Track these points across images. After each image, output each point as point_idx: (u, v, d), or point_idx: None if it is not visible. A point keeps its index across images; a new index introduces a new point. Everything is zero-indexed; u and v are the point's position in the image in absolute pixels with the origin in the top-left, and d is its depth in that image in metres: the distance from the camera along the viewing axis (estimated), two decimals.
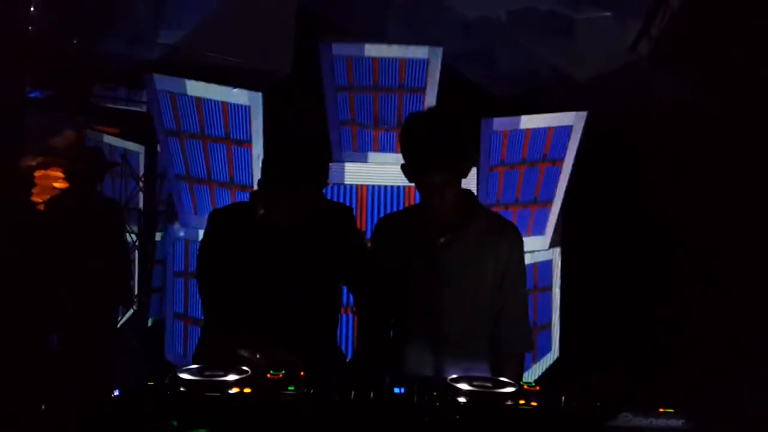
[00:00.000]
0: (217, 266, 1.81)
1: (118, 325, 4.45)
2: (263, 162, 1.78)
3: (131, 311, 4.89)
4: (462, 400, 1.57)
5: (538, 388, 1.65)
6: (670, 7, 3.94)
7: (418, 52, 4.10)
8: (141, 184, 5.19)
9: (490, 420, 1.55)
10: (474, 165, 2.15)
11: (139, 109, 4.84)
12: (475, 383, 1.65)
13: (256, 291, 1.77)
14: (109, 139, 5.16)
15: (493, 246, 1.99)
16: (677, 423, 1.37)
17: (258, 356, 1.69)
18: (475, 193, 3.32)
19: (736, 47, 3.50)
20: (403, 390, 1.62)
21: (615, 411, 1.49)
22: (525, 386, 1.65)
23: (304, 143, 1.77)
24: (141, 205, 5.28)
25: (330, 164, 1.88)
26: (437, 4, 4.49)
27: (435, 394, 1.60)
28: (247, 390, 1.56)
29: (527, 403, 1.57)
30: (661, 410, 1.50)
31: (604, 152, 4.26)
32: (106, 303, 3.86)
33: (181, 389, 1.55)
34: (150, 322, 4.76)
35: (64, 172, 3.93)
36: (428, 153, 1.82)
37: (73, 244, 3.52)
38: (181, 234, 3.97)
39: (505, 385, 1.65)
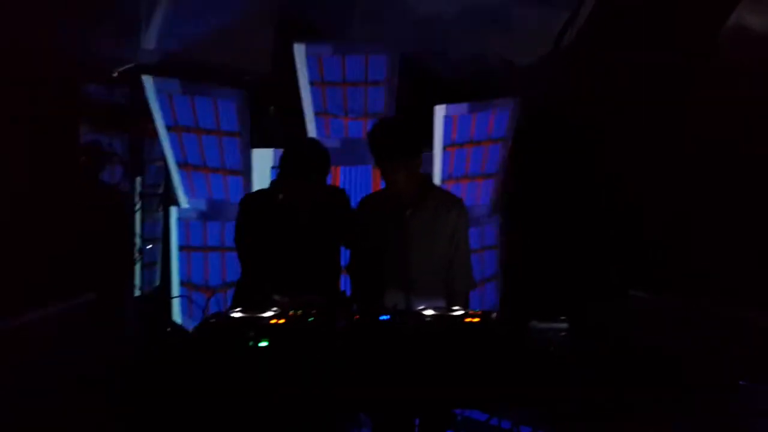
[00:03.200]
0: (250, 236, 2.51)
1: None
2: (281, 160, 2.47)
3: None
4: (427, 319, 2.33)
5: (480, 312, 2.44)
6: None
7: (380, 48, 4.78)
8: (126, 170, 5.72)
9: (446, 332, 2.30)
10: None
11: (121, 102, 5.35)
12: (435, 310, 2.42)
13: (280, 253, 2.49)
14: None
15: (445, 215, 2.74)
16: (563, 326, 2.15)
17: (285, 299, 2.40)
18: (435, 169, 4.12)
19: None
20: (387, 317, 2.37)
21: (526, 319, 2.26)
22: (470, 312, 2.44)
23: (314, 148, 2.47)
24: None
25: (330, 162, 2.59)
26: (394, 4, 5.13)
27: (408, 318, 2.36)
28: (281, 321, 2.28)
29: (472, 319, 2.35)
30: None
31: (537, 130, 5.02)
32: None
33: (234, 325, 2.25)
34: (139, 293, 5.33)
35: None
36: (387, 154, 2.54)
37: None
38: (181, 214, 4.61)
39: (455, 311, 2.43)
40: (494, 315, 2.34)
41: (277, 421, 1.99)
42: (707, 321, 3.07)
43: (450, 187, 4.79)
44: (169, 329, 2.25)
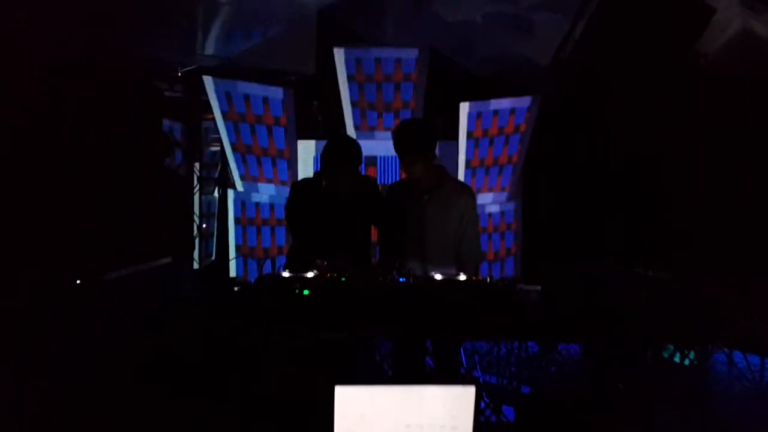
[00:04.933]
0: (299, 215, 3.17)
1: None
2: (323, 153, 3.12)
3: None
4: (436, 281, 2.95)
5: (480, 278, 3.04)
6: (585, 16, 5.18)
7: (411, 52, 5.35)
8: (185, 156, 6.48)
9: (450, 291, 2.90)
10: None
11: (180, 96, 6.08)
12: (443, 275, 3.04)
13: (322, 228, 3.14)
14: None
15: (456, 200, 3.33)
16: (538, 288, 2.74)
17: (324, 264, 3.05)
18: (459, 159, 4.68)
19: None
20: (403, 279, 2.99)
21: (514, 283, 2.86)
22: (473, 278, 3.04)
23: (349, 144, 3.11)
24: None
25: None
26: (426, 10, 5.69)
27: (421, 280, 2.98)
28: (321, 280, 2.92)
29: (474, 281, 2.95)
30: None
31: (553, 125, 5.55)
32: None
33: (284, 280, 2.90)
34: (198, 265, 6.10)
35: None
36: (407, 150, 3.14)
37: None
38: (236, 192, 5.33)
39: (459, 276, 3.03)
40: (488, 280, 2.94)
41: (317, 348, 2.64)
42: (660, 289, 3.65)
43: (473, 173, 5.41)
44: (237, 284, 2.91)
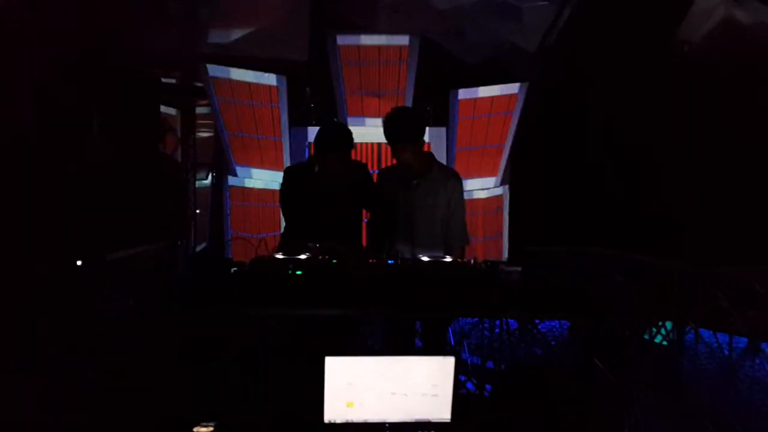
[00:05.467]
0: (292, 199, 3.30)
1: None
2: (316, 139, 3.24)
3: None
4: (423, 263, 3.08)
5: (465, 260, 3.17)
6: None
7: (401, 39, 5.46)
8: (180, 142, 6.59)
9: (436, 271, 3.04)
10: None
11: (172, 82, 6.16)
12: (430, 257, 3.17)
13: (314, 212, 3.26)
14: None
15: (443, 184, 3.45)
16: (518, 269, 2.89)
17: (316, 246, 3.18)
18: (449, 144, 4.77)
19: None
20: (391, 261, 3.12)
21: (497, 264, 3.00)
22: (458, 260, 3.18)
23: (340, 131, 3.22)
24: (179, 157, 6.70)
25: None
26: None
27: (409, 262, 3.12)
28: (313, 262, 3.05)
29: (459, 263, 3.09)
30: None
31: (542, 111, 5.67)
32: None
33: (278, 261, 3.04)
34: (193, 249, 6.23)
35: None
36: (397, 137, 3.27)
37: None
38: (232, 180, 5.44)
39: (445, 258, 3.17)
40: (473, 261, 3.07)
41: (310, 325, 2.79)
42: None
43: (463, 159, 5.53)
44: (233, 265, 3.04)
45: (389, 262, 3.15)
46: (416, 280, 2.96)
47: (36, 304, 2.91)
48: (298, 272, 2.83)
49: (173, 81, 5.86)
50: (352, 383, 1.95)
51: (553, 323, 4.11)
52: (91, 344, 2.65)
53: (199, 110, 6.27)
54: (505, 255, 5.72)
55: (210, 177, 6.33)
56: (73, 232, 3.38)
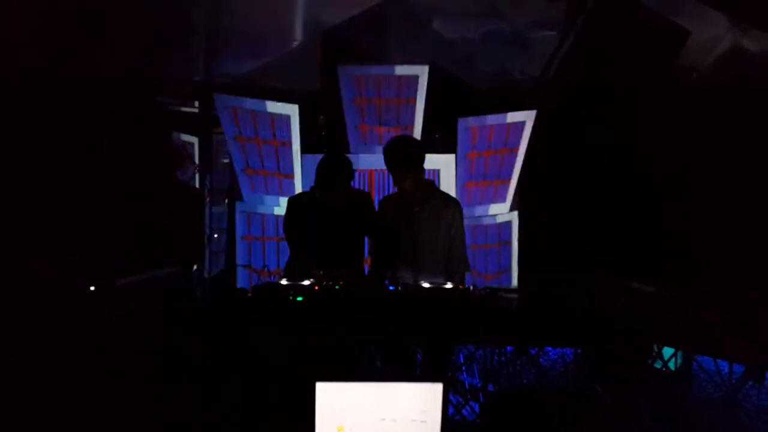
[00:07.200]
0: (296, 227, 3.39)
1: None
2: (317, 171, 3.34)
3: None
4: (424, 289, 3.14)
5: (464, 287, 3.23)
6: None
7: (411, 69, 5.58)
8: (197, 169, 6.75)
9: (437, 298, 3.10)
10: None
11: (194, 111, 6.36)
12: (431, 283, 3.23)
13: (318, 240, 3.35)
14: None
15: (444, 212, 3.53)
16: (515, 295, 2.94)
17: (320, 273, 3.26)
18: (454, 174, 4.87)
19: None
20: (393, 288, 3.19)
21: (496, 291, 3.05)
22: (459, 286, 3.24)
23: (339, 162, 3.32)
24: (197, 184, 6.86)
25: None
26: (426, 29, 5.90)
27: (410, 289, 3.18)
28: (316, 288, 3.13)
29: (459, 290, 3.15)
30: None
31: (549, 139, 5.72)
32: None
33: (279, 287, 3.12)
34: (207, 274, 6.35)
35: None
36: (397, 165, 3.36)
37: None
38: (244, 210, 5.57)
39: (446, 284, 3.23)
40: (471, 288, 3.13)
41: (309, 350, 2.85)
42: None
43: (470, 190, 5.58)
44: (240, 292, 3.15)
45: (390, 288, 3.23)
46: (416, 306, 3.03)
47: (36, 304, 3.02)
48: (299, 298, 2.92)
49: (193, 110, 6.05)
50: (342, 408, 2.00)
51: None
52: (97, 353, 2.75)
53: (217, 138, 6.45)
54: (514, 282, 5.71)
55: (225, 203, 6.48)
56: (85, 254, 3.51)
